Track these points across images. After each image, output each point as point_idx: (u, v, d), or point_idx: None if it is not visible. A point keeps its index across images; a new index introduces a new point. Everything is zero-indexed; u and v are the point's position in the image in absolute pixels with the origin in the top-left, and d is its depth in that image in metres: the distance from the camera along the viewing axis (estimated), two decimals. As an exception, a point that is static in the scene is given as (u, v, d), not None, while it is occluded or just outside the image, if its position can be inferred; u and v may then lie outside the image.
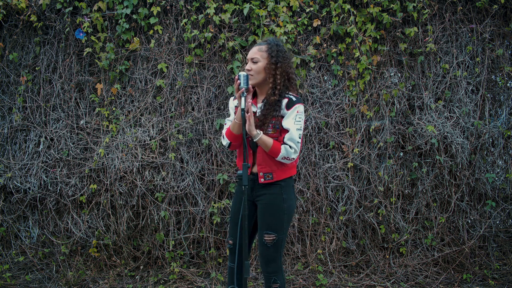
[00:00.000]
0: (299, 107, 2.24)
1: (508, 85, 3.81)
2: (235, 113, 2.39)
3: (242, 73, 2.17)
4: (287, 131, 2.23)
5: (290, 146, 2.21)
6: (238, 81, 2.17)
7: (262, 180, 2.27)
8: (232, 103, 2.45)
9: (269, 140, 2.22)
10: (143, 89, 3.69)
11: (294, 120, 2.22)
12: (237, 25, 3.61)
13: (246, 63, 2.34)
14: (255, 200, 2.34)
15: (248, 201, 2.33)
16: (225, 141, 2.38)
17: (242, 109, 2.13)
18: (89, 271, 3.61)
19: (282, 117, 2.25)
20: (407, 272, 3.57)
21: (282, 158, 2.23)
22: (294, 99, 2.25)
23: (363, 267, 3.67)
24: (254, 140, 2.23)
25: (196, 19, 3.58)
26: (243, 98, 2.15)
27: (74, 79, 3.72)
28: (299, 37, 3.61)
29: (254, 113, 2.30)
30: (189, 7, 3.61)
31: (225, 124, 2.44)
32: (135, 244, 3.71)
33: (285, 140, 2.22)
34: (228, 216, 2.47)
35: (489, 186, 3.69)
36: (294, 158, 2.24)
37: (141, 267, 3.66)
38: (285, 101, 2.25)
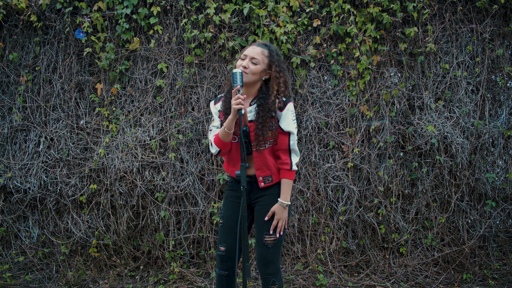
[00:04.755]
0: (290, 106, 2.25)
1: (508, 85, 3.81)
2: (219, 118, 2.31)
3: (237, 71, 2.13)
4: (283, 132, 2.23)
5: (295, 153, 2.27)
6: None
7: (262, 184, 2.25)
8: (214, 108, 2.36)
9: (288, 187, 2.23)
10: (143, 89, 3.69)
11: (292, 120, 2.24)
12: (237, 25, 3.61)
13: (241, 59, 2.25)
14: (252, 203, 2.31)
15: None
16: (214, 149, 2.26)
17: (239, 110, 2.09)
18: (89, 271, 3.61)
19: (277, 118, 2.24)
20: (407, 272, 3.57)
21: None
22: (284, 98, 2.26)
23: (363, 267, 3.67)
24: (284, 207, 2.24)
25: (196, 19, 3.58)
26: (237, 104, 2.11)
27: (74, 79, 3.72)
28: (299, 37, 3.61)
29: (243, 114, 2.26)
30: (189, 7, 3.61)
31: (210, 130, 2.33)
32: (135, 244, 3.71)
33: (291, 146, 2.25)
34: (220, 222, 2.39)
35: (489, 186, 3.69)
36: None
37: (141, 267, 3.66)
38: (276, 102, 2.24)
